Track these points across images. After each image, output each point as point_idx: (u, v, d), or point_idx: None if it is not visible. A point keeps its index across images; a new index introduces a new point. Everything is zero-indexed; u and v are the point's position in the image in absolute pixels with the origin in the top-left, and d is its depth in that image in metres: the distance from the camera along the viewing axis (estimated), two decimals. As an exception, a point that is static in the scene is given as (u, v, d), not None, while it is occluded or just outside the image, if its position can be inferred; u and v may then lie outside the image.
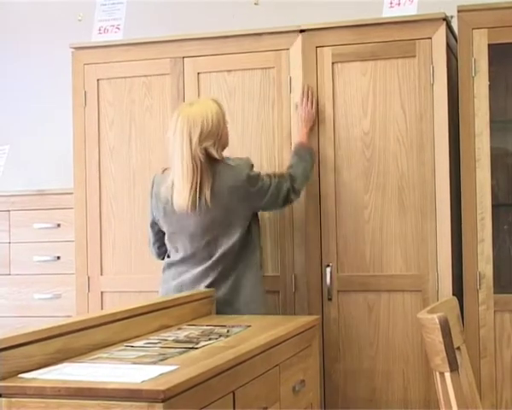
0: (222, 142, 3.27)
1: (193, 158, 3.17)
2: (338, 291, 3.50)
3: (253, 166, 3.29)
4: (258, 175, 3.28)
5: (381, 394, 3.47)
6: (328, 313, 3.50)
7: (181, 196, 3.19)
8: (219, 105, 3.28)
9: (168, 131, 3.28)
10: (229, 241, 3.23)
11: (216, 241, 3.24)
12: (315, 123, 3.52)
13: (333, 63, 3.53)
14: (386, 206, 3.49)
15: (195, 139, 3.17)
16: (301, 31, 3.58)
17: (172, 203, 3.23)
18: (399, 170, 3.48)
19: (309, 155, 3.45)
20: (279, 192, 3.32)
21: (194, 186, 3.17)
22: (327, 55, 3.53)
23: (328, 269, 3.47)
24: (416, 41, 3.45)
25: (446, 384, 1.96)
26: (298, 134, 3.51)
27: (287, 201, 3.37)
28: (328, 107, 3.53)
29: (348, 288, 3.50)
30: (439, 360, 1.96)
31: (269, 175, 3.33)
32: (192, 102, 3.35)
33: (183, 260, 3.30)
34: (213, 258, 3.24)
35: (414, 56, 3.46)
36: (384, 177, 3.50)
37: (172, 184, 3.23)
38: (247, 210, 3.27)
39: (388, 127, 3.49)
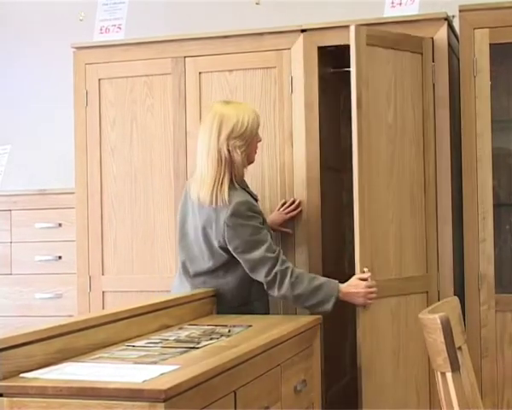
0: (248, 151, 3.17)
1: (219, 151, 3.11)
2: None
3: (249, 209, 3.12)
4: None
5: (387, 394, 3.43)
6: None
7: (203, 189, 3.12)
8: (257, 115, 3.21)
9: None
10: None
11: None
12: None
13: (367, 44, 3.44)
14: (403, 206, 3.40)
15: (224, 135, 3.10)
16: (302, 30, 3.58)
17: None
18: (410, 168, 3.42)
19: (317, 301, 3.09)
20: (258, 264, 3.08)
21: (218, 181, 3.10)
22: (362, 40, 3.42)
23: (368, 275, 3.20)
24: (423, 39, 3.44)
25: (448, 384, 1.96)
26: (349, 286, 3.15)
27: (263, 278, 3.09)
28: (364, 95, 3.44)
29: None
30: (441, 360, 1.96)
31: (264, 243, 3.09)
32: (229, 101, 3.29)
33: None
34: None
35: (421, 53, 3.44)
36: (402, 175, 3.41)
37: (196, 177, 3.17)
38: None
39: (405, 123, 3.42)
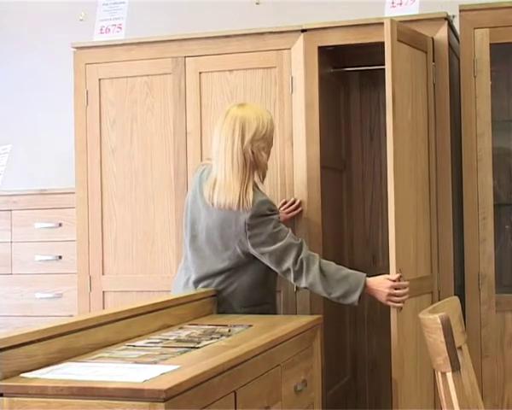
0: (269, 152, 3.20)
1: (244, 154, 3.10)
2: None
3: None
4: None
5: (413, 395, 3.41)
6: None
7: (229, 194, 3.08)
8: (271, 116, 3.22)
9: (214, 133, 3.20)
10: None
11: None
12: None
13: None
14: (412, 205, 3.35)
15: (248, 138, 3.10)
16: (303, 30, 3.57)
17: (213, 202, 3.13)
18: (420, 167, 3.40)
19: (343, 291, 3.05)
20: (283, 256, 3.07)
21: (244, 185, 3.09)
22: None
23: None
24: (427, 37, 3.44)
25: (448, 384, 1.96)
26: (374, 281, 3.08)
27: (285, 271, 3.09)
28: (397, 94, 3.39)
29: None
30: (441, 359, 1.96)
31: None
32: (242, 103, 3.25)
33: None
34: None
35: (425, 51, 3.45)
36: (416, 173, 3.37)
37: (215, 182, 3.14)
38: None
39: (416, 121, 3.39)
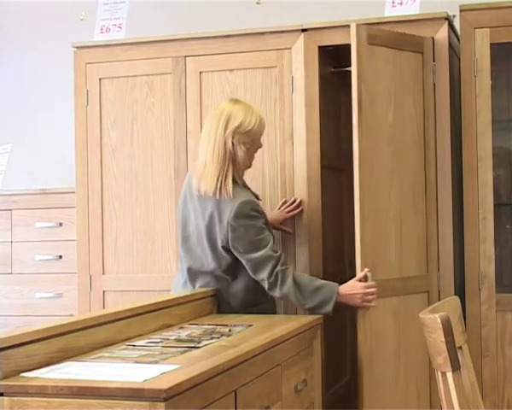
0: (250, 152, 3.19)
1: (224, 143, 3.11)
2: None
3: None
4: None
5: (388, 394, 3.44)
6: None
7: (207, 179, 3.11)
8: (263, 120, 3.22)
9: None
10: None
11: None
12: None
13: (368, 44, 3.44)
14: (404, 205, 3.40)
15: (231, 128, 3.11)
16: (303, 30, 3.58)
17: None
18: (412, 168, 3.42)
19: (318, 301, 3.10)
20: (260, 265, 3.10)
21: (222, 172, 3.10)
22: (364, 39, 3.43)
23: (368, 274, 3.16)
24: (424, 38, 3.44)
25: (448, 384, 1.96)
26: (346, 287, 3.14)
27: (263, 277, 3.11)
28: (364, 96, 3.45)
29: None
30: (441, 359, 1.96)
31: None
32: (237, 100, 3.26)
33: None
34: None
35: (421, 53, 3.45)
36: (402, 174, 3.40)
37: (197, 166, 3.17)
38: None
39: (405, 122, 3.42)
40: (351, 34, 3.19)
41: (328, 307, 3.09)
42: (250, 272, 3.13)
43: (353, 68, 3.20)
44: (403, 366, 3.35)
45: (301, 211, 3.54)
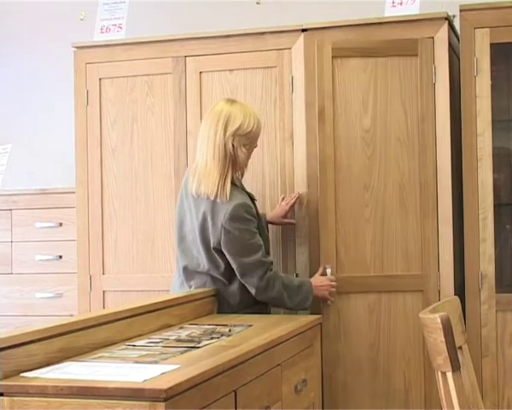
0: (249, 153, 3.20)
1: (224, 145, 3.12)
2: (338, 293, 3.46)
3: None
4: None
5: (382, 395, 3.46)
6: (328, 315, 3.48)
7: (208, 181, 3.10)
8: (260, 121, 3.24)
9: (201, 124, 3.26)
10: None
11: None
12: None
13: (332, 57, 3.49)
14: (387, 205, 3.48)
15: (230, 131, 3.11)
16: (303, 30, 3.58)
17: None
18: (400, 169, 3.48)
19: (300, 299, 3.23)
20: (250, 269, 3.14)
21: (223, 174, 3.10)
22: (327, 51, 3.50)
23: (329, 270, 3.42)
24: (418, 40, 3.45)
25: (448, 384, 1.96)
26: (316, 280, 3.36)
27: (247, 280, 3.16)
28: (328, 104, 3.51)
29: (348, 289, 3.48)
30: (441, 359, 1.96)
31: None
32: (233, 100, 3.26)
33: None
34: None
35: (416, 55, 3.45)
36: (385, 176, 3.49)
37: (195, 169, 3.17)
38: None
39: (389, 126, 3.49)
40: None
41: (309, 302, 3.26)
42: (238, 275, 3.15)
43: (314, 85, 3.49)
44: (382, 360, 3.46)
45: (300, 203, 3.53)
